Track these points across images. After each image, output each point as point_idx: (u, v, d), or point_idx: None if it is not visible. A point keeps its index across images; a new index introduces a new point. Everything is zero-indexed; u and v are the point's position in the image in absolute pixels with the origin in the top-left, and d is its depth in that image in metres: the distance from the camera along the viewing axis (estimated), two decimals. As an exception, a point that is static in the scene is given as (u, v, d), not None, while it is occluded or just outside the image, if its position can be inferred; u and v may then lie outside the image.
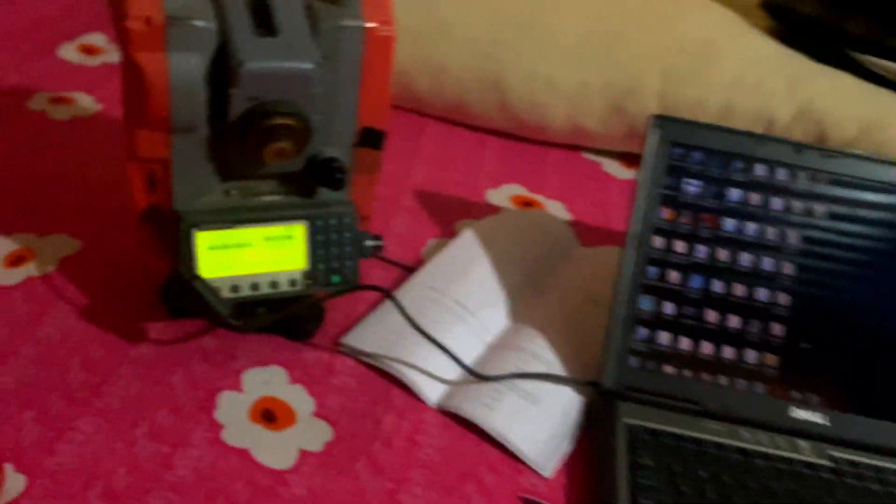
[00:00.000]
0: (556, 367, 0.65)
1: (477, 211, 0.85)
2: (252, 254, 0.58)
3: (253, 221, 0.58)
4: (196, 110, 0.53)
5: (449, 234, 0.81)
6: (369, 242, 0.63)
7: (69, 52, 1.01)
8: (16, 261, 0.68)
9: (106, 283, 0.67)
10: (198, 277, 0.55)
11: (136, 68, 0.51)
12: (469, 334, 0.67)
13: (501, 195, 0.89)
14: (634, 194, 0.64)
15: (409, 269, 0.74)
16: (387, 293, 0.60)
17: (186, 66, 0.51)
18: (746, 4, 1.07)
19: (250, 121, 0.53)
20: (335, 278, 0.61)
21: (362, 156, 0.61)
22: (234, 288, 0.58)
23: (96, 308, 0.64)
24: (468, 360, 0.65)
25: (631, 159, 1.00)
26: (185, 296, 0.55)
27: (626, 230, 0.64)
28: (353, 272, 0.61)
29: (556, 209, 0.88)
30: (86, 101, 0.91)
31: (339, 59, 0.55)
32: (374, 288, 0.61)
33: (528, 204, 0.88)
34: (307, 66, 0.52)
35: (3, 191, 0.75)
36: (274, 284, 0.59)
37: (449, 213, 0.84)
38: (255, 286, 0.58)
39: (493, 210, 0.86)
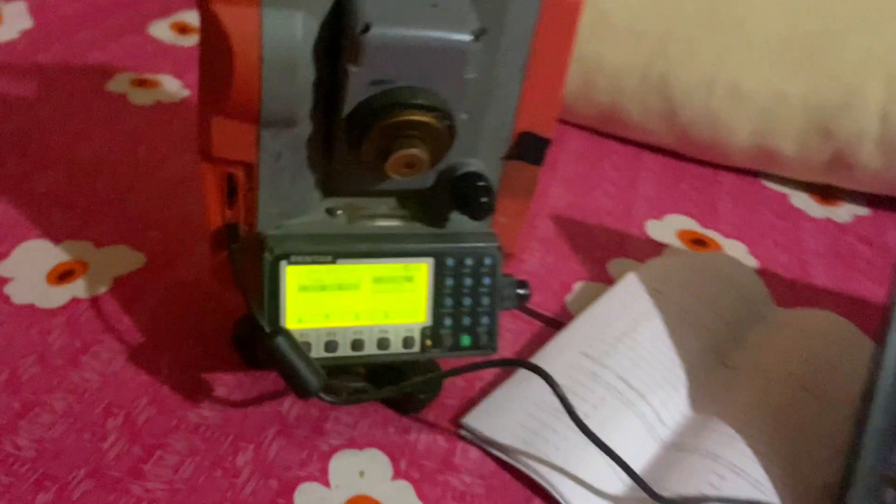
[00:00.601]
0: (766, 488, 0.46)
1: (635, 248, 0.67)
2: (357, 299, 0.42)
3: (362, 255, 0.41)
4: (297, 95, 0.37)
5: (601, 276, 0.62)
6: (511, 291, 0.46)
7: (161, 30, 0.88)
8: (63, 276, 0.54)
9: (167, 315, 0.52)
10: (282, 331, 0.39)
11: (217, 29, 0.35)
12: (639, 427, 0.49)
13: (665, 228, 0.70)
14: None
15: (552, 324, 0.57)
16: (547, 378, 0.42)
17: (287, 30, 0.35)
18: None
19: (373, 114, 0.36)
20: (465, 340, 0.43)
21: (514, 172, 0.44)
22: (330, 345, 0.41)
23: (151, 349, 0.50)
24: (638, 465, 0.47)
25: (827, 193, 0.79)
26: (262, 351, 0.39)
27: (886, 301, 0.45)
28: (489, 334, 0.44)
29: (737, 252, 0.69)
30: (172, 86, 0.78)
31: (502, 32, 0.38)
32: (523, 364, 0.43)
33: (699, 242, 0.69)
34: (462, 37, 0.35)
35: (64, 185, 0.62)
36: (383, 343, 0.42)
37: (599, 249, 0.66)
38: (357, 344, 0.42)
39: (657, 248, 0.67)
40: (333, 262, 0.41)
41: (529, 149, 0.43)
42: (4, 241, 0.56)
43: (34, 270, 0.54)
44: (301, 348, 0.39)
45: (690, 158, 0.80)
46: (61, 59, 0.79)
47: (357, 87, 0.36)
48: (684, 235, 0.70)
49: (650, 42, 0.76)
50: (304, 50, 0.36)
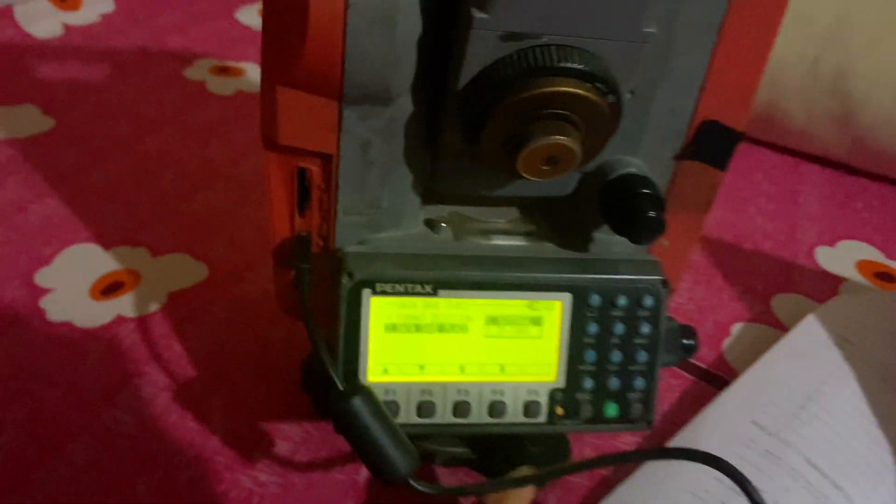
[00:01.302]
0: None
1: (804, 281, 0.53)
2: (464, 346, 0.30)
3: (473, 286, 0.30)
4: (394, 56, 0.26)
5: (764, 316, 0.49)
6: (674, 341, 0.34)
7: (249, 16, 0.80)
8: (110, 288, 0.45)
9: (226, 343, 0.42)
10: (360, 390, 0.28)
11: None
12: (840, 534, 0.35)
13: (841, 258, 0.56)
14: None
15: (711, 380, 0.44)
16: (743, 483, 0.28)
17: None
18: None
19: (504, 83, 0.25)
20: (610, 409, 0.31)
21: (688, 177, 0.32)
22: (425, 408, 0.30)
23: (202, 386, 0.40)
24: (844, 592, 0.34)
25: None
26: (332, 414, 0.29)
27: None
28: (645, 402, 0.32)
29: (938, 292, 0.54)
30: (255, 74, 0.69)
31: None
32: (703, 459, 0.29)
33: (886, 277, 0.54)
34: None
35: (124, 181, 0.54)
36: (496, 409, 0.31)
37: (759, 281, 0.52)
38: (461, 408, 0.30)
39: (832, 282, 0.53)
40: (434, 293, 0.30)
41: (713, 145, 0.30)
42: (49, 243, 0.48)
43: (77, 281, 0.45)
44: (385, 414, 0.28)
45: (864, 172, 0.66)
46: (139, 44, 0.72)
47: (482, 44, 0.25)
48: (866, 267, 0.55)
49: (821, 28, 0.62)
50: (406, -8, 0.25)
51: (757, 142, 0.68)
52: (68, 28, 0.72)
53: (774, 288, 0.52)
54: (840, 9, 0.62)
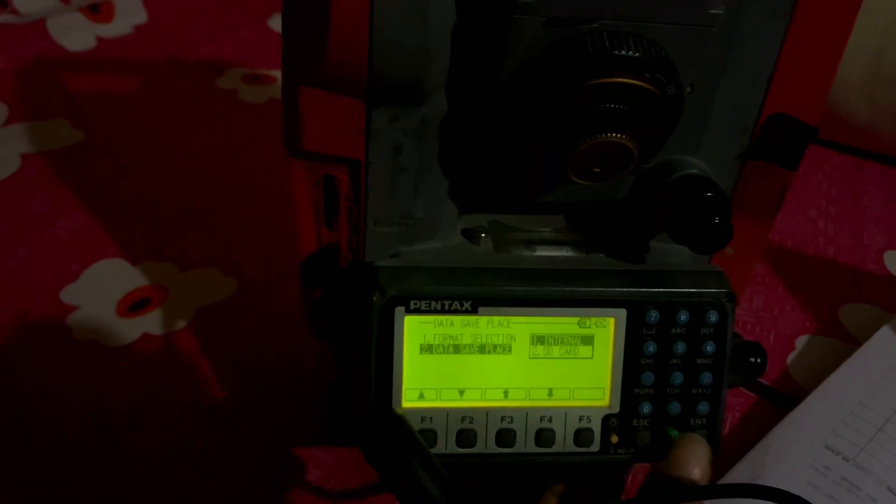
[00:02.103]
0: None
1: (873, 288, 0.49)
2: (507, 368, 0.28)
3: (517, 302, 0.27)
4: (426, 49, 0.23)
5: (831, 328, 0.46)
6: (742, 360, 0.30)
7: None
8: (136, 306, 0.44)
9: (255, 361, 0.40)
10: (395, 420, 0.26)
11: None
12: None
13: (912, 264, 0.52)
14: None
15: (773, 397, 0.40)
16: None
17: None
18: None
19: (552, 76, 0.22)
20: (672, 435, 0.28)
21: (755, 179, 0.29)
22: (465, 436, 0.28)
23: (230, 410, 0.38)
24: None
25: None
26: (362, 446, 0.26)
27: None
28: (711, 429, 0.28)
29: None
30: (288, 81, 0.68)
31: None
32: (765, 494, 0.26)
33: (964, 284, 0.50)
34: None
35: (154, 194, 0.52)
36: (544, 437, 0.28)
37: (824, 289, 0.49)
38: (504, 436, 0.28)
39: (904, 290, 0.49)
40: (474, 310, 0.27)
41: (782, 142, 0.27)
42: (77, 258, 0.47)
43: (104, 297, 0.44)
44: (422, 446, 0.25)
45: (935, 170, 0.61)
46: (171, 55, 0.71)
47: (526, 31, 0.22)
48: (940, 274, 0.51)
49: (884, 18, 0.58)
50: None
51: (816, 140, 0.64)
52: (101, 40, 0.72)
53: (841, 297, 0.48)
54: (905, -4, 0.58)
